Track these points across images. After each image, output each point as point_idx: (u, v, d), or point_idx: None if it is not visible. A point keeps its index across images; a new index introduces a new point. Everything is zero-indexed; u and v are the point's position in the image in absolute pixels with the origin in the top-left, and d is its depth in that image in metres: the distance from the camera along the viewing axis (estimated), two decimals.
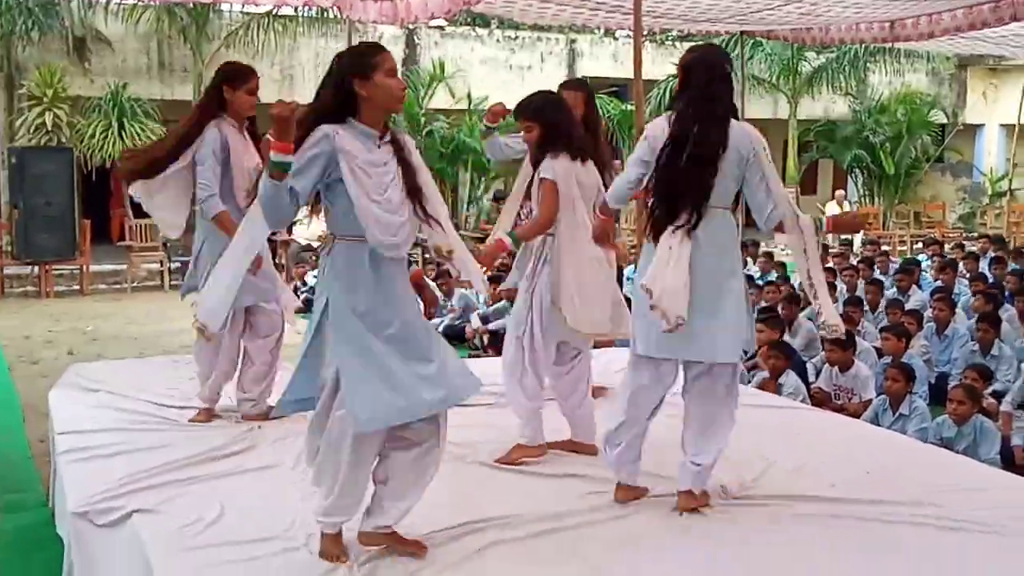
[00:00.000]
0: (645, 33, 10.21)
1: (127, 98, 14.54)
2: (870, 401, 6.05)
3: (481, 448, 4.26)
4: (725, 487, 3.81)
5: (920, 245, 15.99)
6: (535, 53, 18.25)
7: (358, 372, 2.93)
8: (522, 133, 4.27)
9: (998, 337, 7.05)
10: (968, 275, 9.91)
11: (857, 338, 6.84)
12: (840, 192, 18.77)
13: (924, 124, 19.71)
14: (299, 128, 2.91)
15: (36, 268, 12.73)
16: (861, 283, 9.25)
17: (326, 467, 3.06)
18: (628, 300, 4.03)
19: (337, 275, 2.99)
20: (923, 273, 10.32)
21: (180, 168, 4.56)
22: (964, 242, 14.88)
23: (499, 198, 16.87)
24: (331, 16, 14.67)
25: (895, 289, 9.18)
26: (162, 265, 13.42)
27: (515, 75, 17.81)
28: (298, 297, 11.22)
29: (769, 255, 11.49)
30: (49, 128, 13.74)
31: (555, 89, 4.53)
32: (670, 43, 18.79)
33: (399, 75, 3.10)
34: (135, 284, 13.29)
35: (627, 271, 7.32)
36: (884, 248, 13.34)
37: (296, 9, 13.94)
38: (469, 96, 17.37)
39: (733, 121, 3.50)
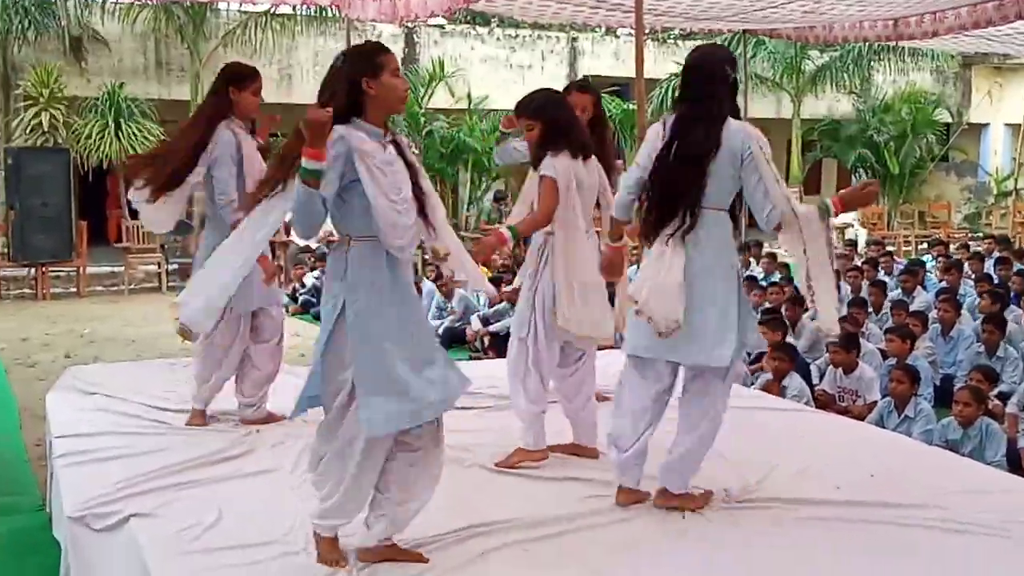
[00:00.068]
0: (647, 31, 10.16)
1: (124, 98, 14.53)
2: (875, 403, 6.02)
3: (480, 451, 4.24)
4: (728, 490, 3.78)
5: (925, 246, 15.97)
6: (536, 52, 18.23)
7: (375, 375, 2.92)
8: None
9: (1004, 339, 7.01)
10: (973, 276, 9.87)
11: (861, 340, 6.81)
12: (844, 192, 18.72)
13: (929, 123, 19.68)
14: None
15: (32, 270, 12.71)
16: (865, 284, 9.21)
17: (331, 470, 3.02)
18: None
19: (354, 277, 2.96)
20: (928, 274, 10.29)
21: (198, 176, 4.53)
22: (969, 242, 14.83)
23: (499, 198, 16.86)
24: (329, 15, 14.68)
25: (900, 290, 9.14)
26: (159, 267, 13.41)
27: (515, 74, 17.79)
28: (296, 299, 11.21)
29: (772, 256, 11.44)
30: (45, 128, 13.72)
31: (561, 90, 4.52)
32: (672, 42, 18.77)
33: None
34: (132, 286, 13.27)
35: (629, 272, 7.28)
36: (889, 248, 13.30)
37: (294, 8, 13.94)
38: (469, 95, 17.35)
39: (732, 121, 3.46)
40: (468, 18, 17.53)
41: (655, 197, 3.54)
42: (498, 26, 17.77)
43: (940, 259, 11.16)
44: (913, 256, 14.67)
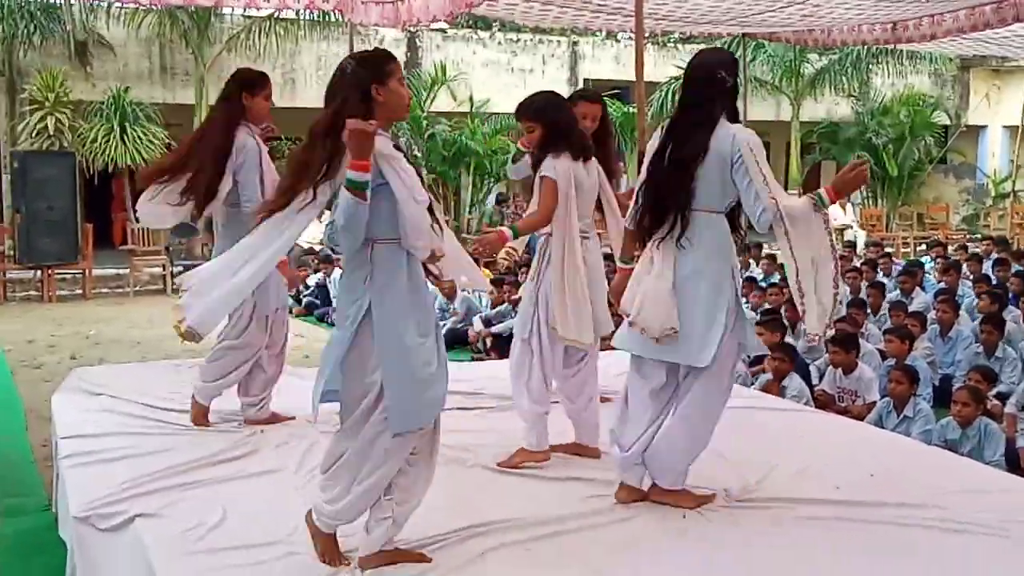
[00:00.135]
0: (647, 35, 10.19)
1: (129, 102, 14.57)
2: (874, 403, 6.04)
3: (482, 452, 4.25)
4: (728, 490, 3.80)
5: (924, 247, 15.97)
6: (537, 56, 18.26)
7: (402, 375, 2.96)
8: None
9: (1002, 339, 7.04)
10: (972, 277, 9.89)
11: (861, 340, 6.83)
12: None
13: (927, 126, 19.69)
14: (327, 137, 2.91)
15: (38, 272, 12.74)
16: (864, 285, 9.23)
17: (347, 471, 3.03)
18: None
19: (379, 279, 2.99)
20: (926, 275, 10.30)
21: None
22: (968, 244, 14.85)
23: (501, 201, 16.90)
24: (333, 19, 14.70)
25: (898, 291, 9.16)
26: (164, 269, 13.43)
27: (517, 78, 17.82)
28: (300, 301, 11.24)
29: (772, 257, 11.47)
30: (51, 132, 13.75)
31: (568, 99, 4.58)
32: (672, 45, 18.80)
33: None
34: (137, 288, 13.31)
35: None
36: (887, 250, 13.32)
37: (297, 12, 14.00)
38: (471, 99, 17.39)
39: (725, 124, 3.48)
40: (470, 22, 17.56)
41: (647, 202, 3.59)
42: (499, 30, 17.80)
43: (939, 260, 11.17)
44: (912, 257, 14.67)
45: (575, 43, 18.48)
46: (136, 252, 13.61)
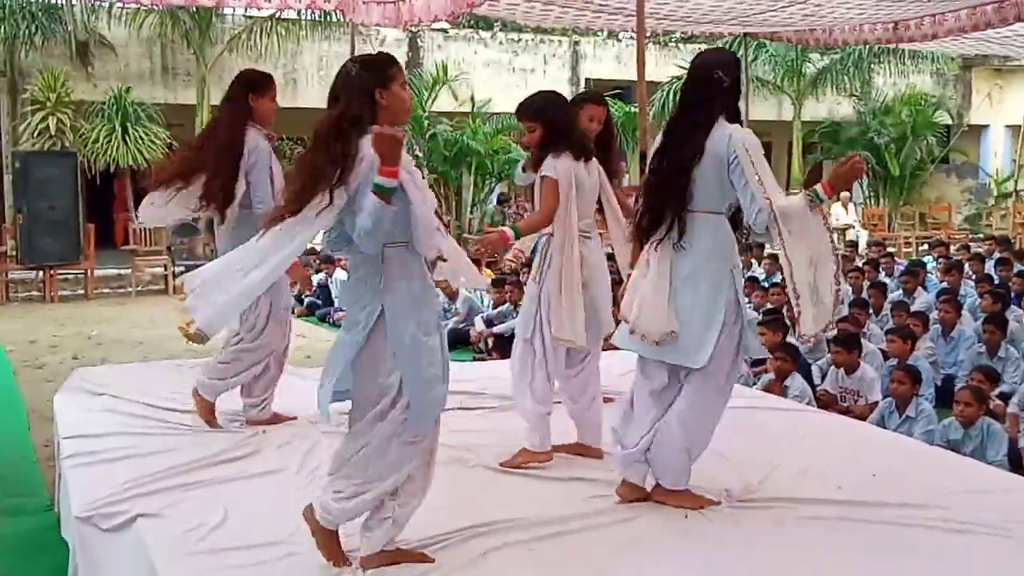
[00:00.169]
0: (648, 35, 10.20)
1: (130, 102, 14.59)
2: (876, 403, 6.04)
3: (484, 452, 4.25)
4: (729, 490, 3.80)
5: (926, 247, 15.96)
6: (538, 56, 18.26)
7: (417, 374, 2.99)
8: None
9: (1005, 339, 7.03)
10: (974, 277, 9.88)
11: (863, 340, 6.82)
12: (845, 193, 18.69)
13: (929, 125, 19.68)
14: (336, 141, 2.91)
15: (40, 273, 12.76)
16: (866, 285, 9.23)
17: (360, 469, 3.02)
18: None
19: (391, 282, 3.00)
20: (929, 275, 10.30)
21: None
22: (970, 243, 14.84)
23: (503, 201, 16.91)
24: (334, 19, 14.71)
25: (901, 291, 9.16)
26: (166, 269, 13.45)
27: (518, 78, 17.83)
28: (302, 301, 11.25)
29: (774, 257, 11.44)
30: (53, 132, 13.77)
31: (576, 101, 4.60)
32: (673, 45, 18.80)
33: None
34: (139, 288, 13.32)
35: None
36: (889, 250, 13.32)
37: (299, 13, 14.02)
38: (472, 99, 17.40)
39: (723, 125, 3.48)
40: (471, 22, 17.57)
41: (646, 203, 3.61)
42: (501, 30, 17.81)
43: (941, 260, 11.17)
44: (914, 257, 14.67)
45: (576, 43, 18.48)
46: (138, 252, 13.63)
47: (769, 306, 8.37)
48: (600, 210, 4.38)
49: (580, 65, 18.52)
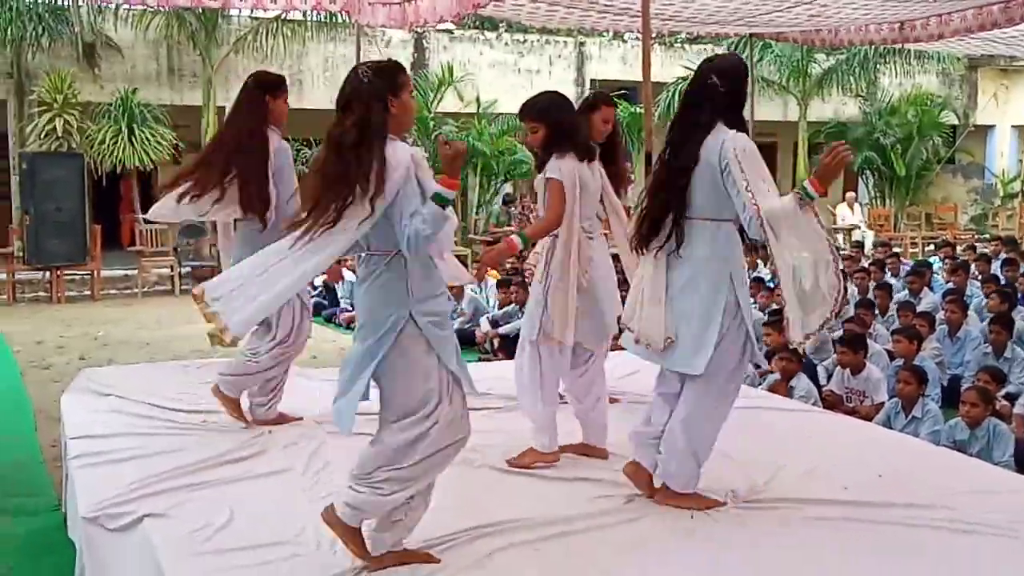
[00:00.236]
0: (654, 36, 10.19)
1: (137, 103, 14.62)
2: (882, 404, 6.03)
3: (490, 452, 4.25)
4: (735, 491, 3.80)
5: (932, 247, 15.93)
6: (544, 56, 18.27)
7: (460, 376, 3.09)
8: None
9: (1011, 339, 7.01)
10: (980, 277, 9.86)
11: (869, 341, 6.81)
12: (851, 194, 18.72)
13: (935, 125, 19.64)
14: (361, 149, 2.92)
15: (47, 273, 12.79)
16: (872, 285, 9.22)
17: (406, 467, 3.03)
18: None
19: (417, 286, 3.03)
20: (935, 275, 10.28)
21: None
22: (976, 244, 14.82)
23: (508, 202, 16.91)
24: (339, 21, 14.72)
25: (907, 291, 9.14)
26: (172, 270, 13.47)
27: (524, 78, 17.83)
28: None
29: None
30: (59, 134, 13.81)
31: (591, 103, 4.62)
32: (679, 46, 18.79)
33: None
34: (146, 289, 13.35)
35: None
36: (895, 250, 13.30)
37: (304, 14, 14.04)
38: (478, 100, 17.41)
39: (719, 131, 3.47)
40: (477, 23, 17.58)
41: (645, 209, 3.63)
42: (506, 31, 17.82)
43: (947, 260, 11.15)
44: (920, 258, 14.64)
45: (582, 44, 18.48)
46: (144, 253, 13.66)
47: (775, 307, 8.36)
48: (603, 210, 4.39)
49: (585, 66, 18.52)
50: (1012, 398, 6.09)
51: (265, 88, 4.65)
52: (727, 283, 3.52)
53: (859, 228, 17.68)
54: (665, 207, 3.54)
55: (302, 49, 16.00)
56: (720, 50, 17.26)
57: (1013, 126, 21.97)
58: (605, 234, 4.38)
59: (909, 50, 16.98)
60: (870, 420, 5.67)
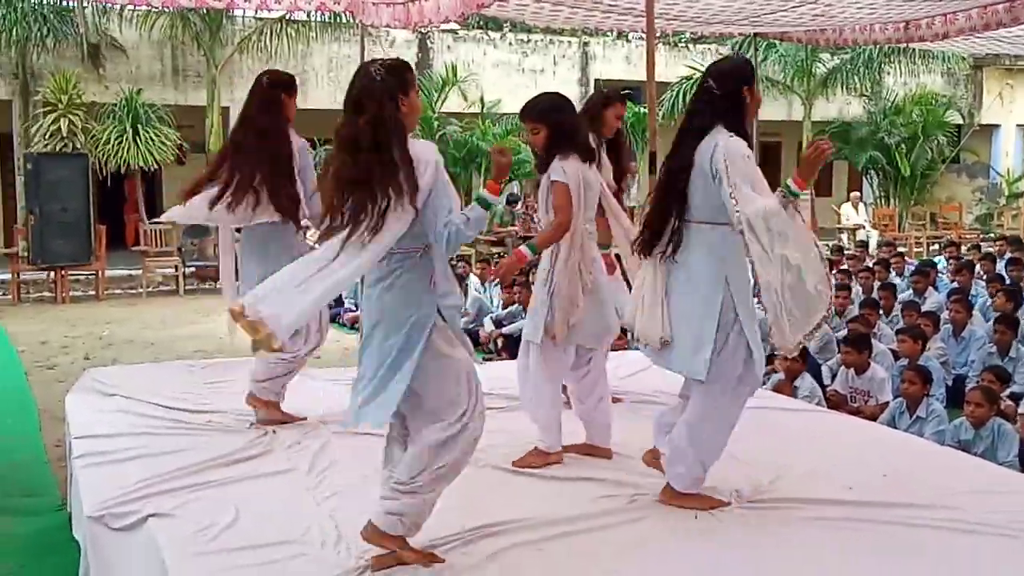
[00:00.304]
0: (658, 35, 10.20)
1: (141, 104, 14.64)
2: (886, 404, 6.02)
3: (493, 452, 4.23)
4: (739, 491, 3.80)
5: (936, 247, 15.90)
6: (548, 56, 18.27)
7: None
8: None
9: (1016, 339, 7.00)
10: (985, 277, 9.84)
11: (873, 340, 6.81)
12: (855, 193, 18.70)
13: (940, 125, 19.60)
14: (377, 149, 2.91)
15: (52, 273, 12.81)
16: (876, 285, 9.21)
17: (447, 466, 3.06)
18: None
19: (440, 280, 3.05)
20: (939, 275, 10.26)
21: None
22: (981, 243, 14.79)
23: (512, 202, 16.89)
24: (344, 21, 14.74)
25: (911, 291, 9.13)
26: (177, 270, 13.49)
27: (528, 78, 17.83)
28: None
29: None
30: (64, 134, 13.83)
31: (607, 100, 4.65)
32: (683, 45, 18.78)
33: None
34: (150, 289, 13.37)
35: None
36: (900, 250, 13.28)
37: (309, 14, 14.05)
38: (482, 99, 17.41)
39: (717, 134, 3.47)
40: (481, 23, 17.58)
41: (649, 211, 3.66)
42: (510, 31, 17.82)
43: (951, 260, 11.13)
44: (924, 257, 14.61)
45: (586, 44, 18.48)
46: (149, 253, 13.68)
47: None
48: (600, 212, 4.40)
49: (590, 66, 18.52)
50: (1017, 398, 6.09)
51: (282, 87, 4.63)
52: (723, 285, 3.51)
53: (864, 228, 17.65)
54: (666, 211, 3.56)
55: (306, 49, 16.01)
56: (725, 50, 17.29)
57: (1018, 125, 21.92)
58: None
59: (914, 50, 16.98)
60: (874, 420, 5.66)
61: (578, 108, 5.03)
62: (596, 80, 18.24)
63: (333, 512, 3.55)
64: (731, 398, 3.59)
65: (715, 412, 3.58)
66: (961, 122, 20.95)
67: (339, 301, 11.13)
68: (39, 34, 14.06)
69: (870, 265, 10.69)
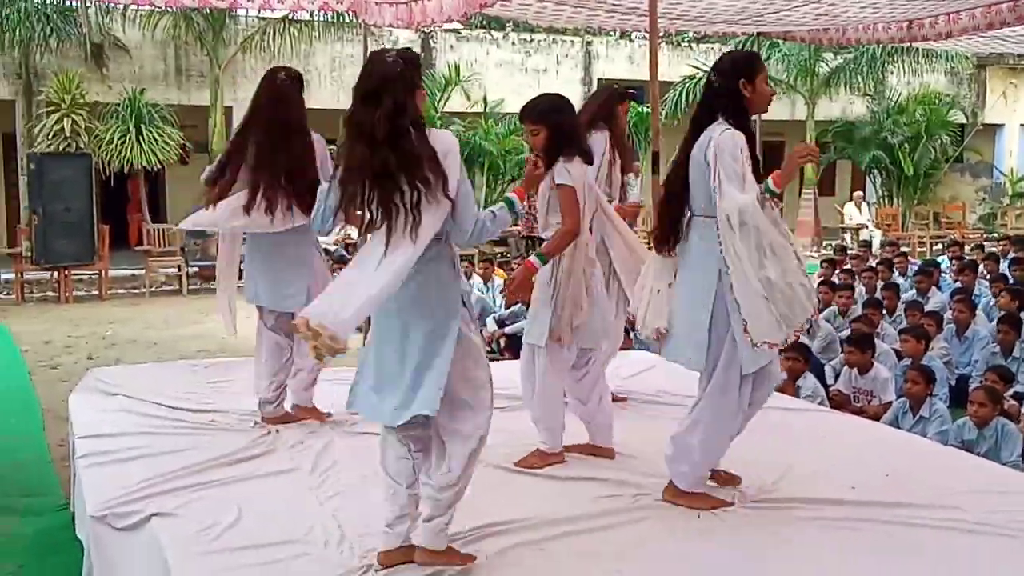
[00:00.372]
0: (661, 35, 10.19)
1: (144, 103, 14.65)
2: (890, 404, 6.01)
3: (494, 452, 4.21)
4: (742, 491, 3.80)
5: (940, 247, 15.88)
6: (551, 56, 18.26)
7: None
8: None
9: (1019, 339, 6.99)
10: (988, 276, 9.83)
11: (876, 340, 6.80)
12: (858, 193, 18.68)
13: (943, 124, 19.58)
14: (399, 140, 2.87)
15: (55, 273, 12.82)
16: (879, 285, 9.20)
17: (474, 461, 3.08)
18: None
19: (458, 271, 3.07)
20: (943, 275, 10.25)
21: None
22: (984, 243, 14.76)
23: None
24: (346, 20, 14.74)
25: (914, 291, 9.12)
26: (180, 270, 13.50)
27: (531, 78, 17.83)
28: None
29: None
30: (67, 134, 13.85)
31: (619, 97, 4.68)
32: (686, 45, 18.77)
33: None
34: (153, 289, 13.38)
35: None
36: (903, 249, 13.27)
37: (312, 14, 14.04)
38: (485, 99, 17.41)
39: (712, 129, 3.48)
40: (483, 23, 17.58)
41: (660, 209, 3.72)
42: (513, 31, 17.81)
43: (955, 260, 11.11)
44: (928, 257, 14.60)
45: (589, 43, 18.47)
46: (152, 253, 13.69)
47: None
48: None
49: (593, 65, 18.51)
50: (1020, 398, 6.08)
51: (300, 84, 4.59)
52: (717, 277, 3.51)
53: (867, 227, 17.64)
54: (671, 204, 3.63)
55: (309, 49, 16.01)
56: (728, 49, 17.28)
57: (1022, 125, 21.89)
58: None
59: (917, 49, 16.93)
60: (878, 420, 5.66)
61: (581, 106, 5.06)
62: (599, 80, 18.24)
63: (336, 512, 3.56)
64: (728, 388, 3.59)
65: (717, 403, 3.59)
66: (965, 121, 20.92)
67: None
68: (42, 34, 14.07)
69: (873, 265, 10.67)
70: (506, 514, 3.50)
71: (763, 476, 3.95)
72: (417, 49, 16.82)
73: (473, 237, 3.01)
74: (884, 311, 8.14)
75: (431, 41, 17.33)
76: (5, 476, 5.34)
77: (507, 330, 8.88)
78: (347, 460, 4.14)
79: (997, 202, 21.76)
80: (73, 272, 12.88)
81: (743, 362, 3.50)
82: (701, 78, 16.33)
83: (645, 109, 16.01)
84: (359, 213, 3.02)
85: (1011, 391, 6.15)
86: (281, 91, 4.51)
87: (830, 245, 17.32)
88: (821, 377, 6.56)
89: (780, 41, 15.98)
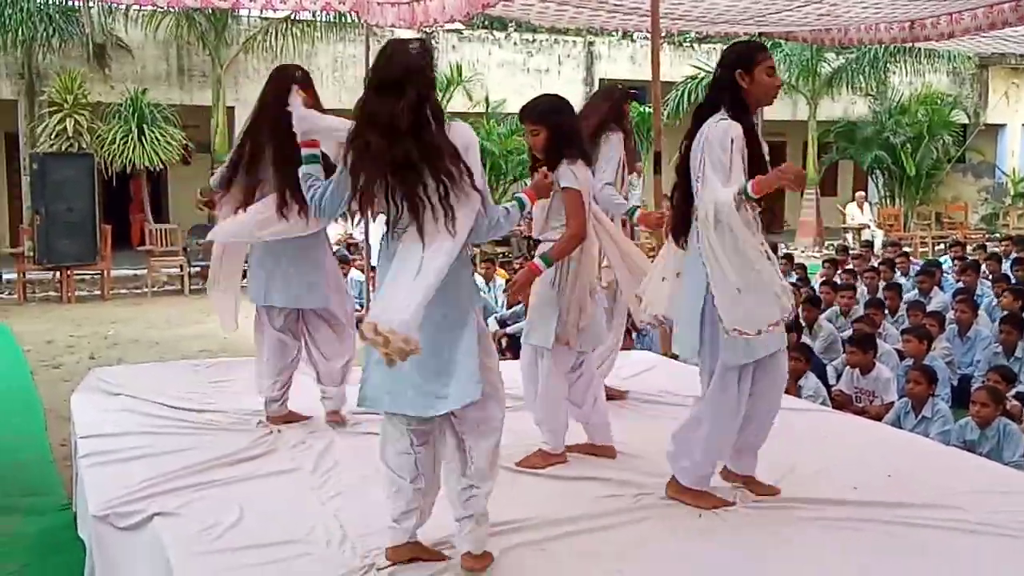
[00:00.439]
0: (663, 35, 10.17)
1: (147, 104, 14.69)
2: (892, 404, 6.01)
3: None
4: (743, 490, 3.79)
5: (942, 247, 15.87)
6: (553, 56, 18.27)
7: None
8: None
9: (1021, 339, 6.98)
10: (990, 277, 9.83)
11: (878, 340, 6.79)
12: (860, 193, 18.68)
13: (945, 124, 19.58)
14: (421, 132, 2.84)
15: (58, 273, 12.85)
16: (882, 285, 9.19)
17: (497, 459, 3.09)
18: None
19: (472, 268, 3.12)
20: (945, 275, 10.25)
21: None
22: (986, 243, 14.76)
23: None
24: (349, 21, 14.75)
25: (917, 291, 9.12)
26: (182, 270, 13.52)
27: (533, 78, 17.84)
28: None
29: (789, 257, 11.45)
30: (70, 134, 13.88)
31: (618, 98, 4.70)
32: (688, 45, 18.77)
33: None
34: (155, 289, 13.39)
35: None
36: (905, 249, 13.27)
37: (314, 14, 14.06)
38: (487, 99, 17.43)
39: (714, 119, 3.47)
40: (486, 23, 17.59)
41: (673, 203, 3.73)
42: (515, 31, 17.83)
43: (957, 260, 11.11)
44: (930, 257, 14.60)
45: (591, 43, 18.48)
46: (154, 253, 13.71)
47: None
48: None
49: (595, 65, 18.52)
50: (1023, 398, 6.07)
51: (310, 80, 4.52)
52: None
53: (869, 227, 17.64)
54: (679, 195, 3.63)
55: (311, 49, 16.03)
56: None
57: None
58: None
59: (919, 49, 16.93)
60: (880, 420, 5.66)
61: (582, 107, 5.07)
62: (601, 80, 18.25)
63: (337, 512, 3.55)
64: (723, 385, 3.58)
65: (716, 400, 3.58)
66: (967, 121, 20.93)
67: None
68: (45, 34, 14.10)
69: (875, 265, 10.66)
70: (507, 514, 3.48)
71: (765, 476, 3.94)
72: None
73: (490, 231, 3.02)
74: (886, 311, 8.14)
75: (433, 41, 17.32)
76: (7, 476, 5.35)
77: (509, 330, 8.88)
78: (349, 460, 4.13)
79: (999, 202, 21.76)
80: (75, 272, 12.90)
81: (722, 352, 3.47)
82: (703, 78, 16.34)
83: (647, 109, 16.02)
84: (375, 201, 2.94)
85: (1013, 391, 6.14)
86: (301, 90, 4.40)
87: (832, 245, 17.32)
88: (823, 377, 6.56)
89: (782, 41, 15.96)
